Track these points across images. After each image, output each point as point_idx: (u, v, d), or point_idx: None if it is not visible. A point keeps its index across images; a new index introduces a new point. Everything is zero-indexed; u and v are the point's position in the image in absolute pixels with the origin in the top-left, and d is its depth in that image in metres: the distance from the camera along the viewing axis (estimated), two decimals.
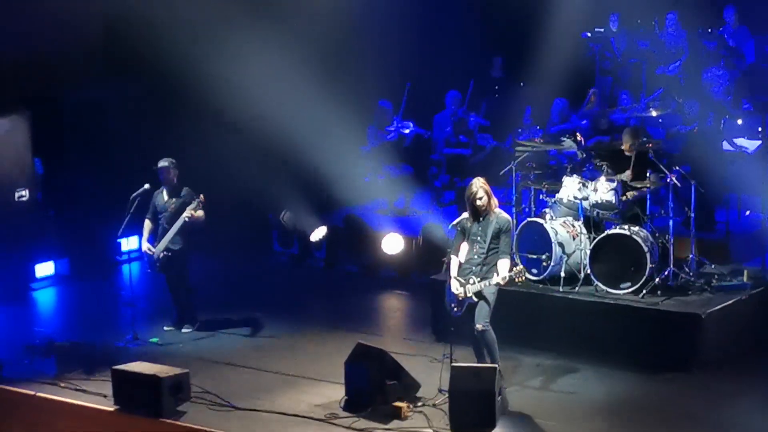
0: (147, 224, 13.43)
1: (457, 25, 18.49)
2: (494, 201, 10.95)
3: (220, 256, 16.36)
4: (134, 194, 13.05)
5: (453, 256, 11.01)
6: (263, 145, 16.20)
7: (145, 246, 13.35)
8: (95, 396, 11.34)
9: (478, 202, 10.83)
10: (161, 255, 13.22)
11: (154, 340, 13.16)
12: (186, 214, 13.07)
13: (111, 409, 11.08)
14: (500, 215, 10.92)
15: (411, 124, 17.33)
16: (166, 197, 13.30)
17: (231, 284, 15.73)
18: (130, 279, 13.54)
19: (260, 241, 17.23)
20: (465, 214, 11.05)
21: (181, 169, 13.44)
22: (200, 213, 13.14)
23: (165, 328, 13.54)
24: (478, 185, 10.86)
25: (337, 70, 16.79)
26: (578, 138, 13.71)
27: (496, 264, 10.78)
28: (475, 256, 10.86)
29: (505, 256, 10.80)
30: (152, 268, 13.37)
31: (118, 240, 16.01)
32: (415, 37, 18.19)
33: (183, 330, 13.48)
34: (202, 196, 13.15)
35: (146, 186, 13.11)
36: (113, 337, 13.16)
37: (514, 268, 10.79)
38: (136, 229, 13.78)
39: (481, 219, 10.89)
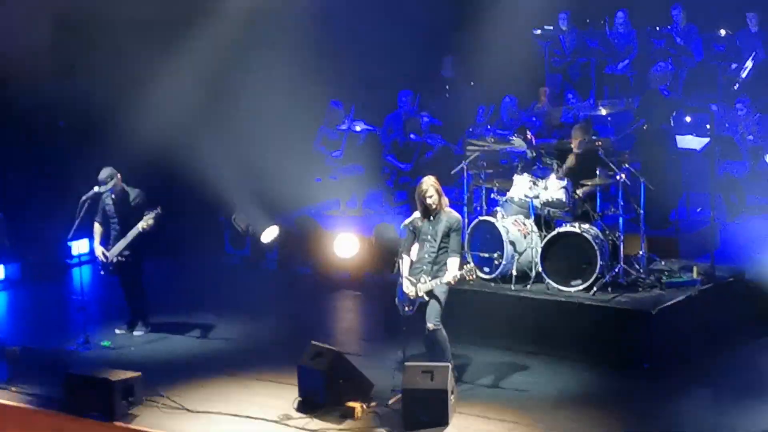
0: (97, 228, 13.31)
1: (407, 25, 18.49)
2: (445, 200, 10.98)
3: (172, 258, 16.30)
4: (84, 197, 12.93)
5: (404, 256, 11.03)
6: (215, 146, 16.12)
7: (99, 250, 13.23)
8: (46, 400, 11.26)
9: (429, 201, 10.85)
10: (115, 259, 13.14)
11: (106, 343, 13.06)
12: (142, 224, 12.94)
13: (63, 413, 11.00)
14: (450, 214, 10.95)
15: (362, 123, 17.24)
16: (116, 201, 13.18)
17: (183, 286, 15.67)
18: (81, 282, 13.44)
19: (212, 242, 17.13)
20: (416, 214, 11.07)
21: (132, 170, 13.36)
22: (152, 221, 13.02)
23: (117, 330, 13.46)
24: (429, 183, 10.89)
25: (288, 71, 16.75)
26: (528, 136, 13.76)
27: (447, 263, 10.81)
28: (426, 255, 10.89)
29: (455, 254, 10.83)
30: (105, 271, 13.30)
31: (69, 243, 15.91)
32: (366, 38, 18.17)
33: (135, 333, 13.41)
34: (159, 207, 13.04)
35: (96, 189, 12.98)
36: (64, 340, 13.06)
37: (465, 266, 10.82)
38: (87, 232, 13.69)
39: (431, 218, 10.91)
